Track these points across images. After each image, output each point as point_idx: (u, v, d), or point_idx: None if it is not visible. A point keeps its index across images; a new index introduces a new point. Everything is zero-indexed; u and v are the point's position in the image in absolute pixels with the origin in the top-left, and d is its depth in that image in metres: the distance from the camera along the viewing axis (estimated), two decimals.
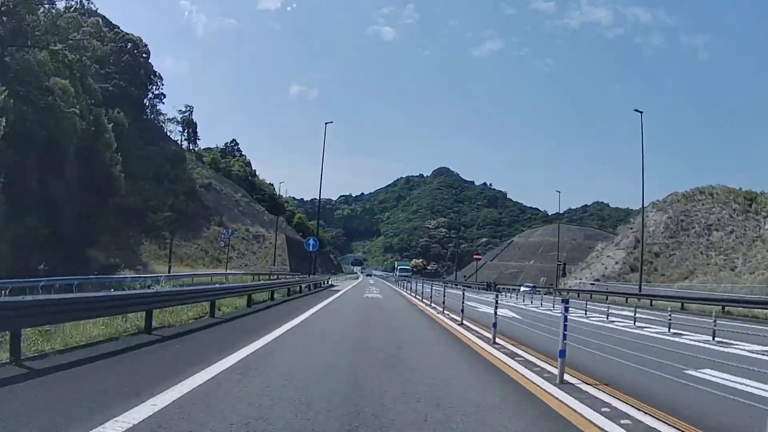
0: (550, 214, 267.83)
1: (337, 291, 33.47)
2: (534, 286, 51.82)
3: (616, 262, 55.90)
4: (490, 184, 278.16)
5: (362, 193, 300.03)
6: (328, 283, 44.39)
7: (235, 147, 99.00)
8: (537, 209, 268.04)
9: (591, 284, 50.85)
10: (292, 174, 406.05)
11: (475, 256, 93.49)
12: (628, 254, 54.65)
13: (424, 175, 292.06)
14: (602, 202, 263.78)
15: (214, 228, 66.11)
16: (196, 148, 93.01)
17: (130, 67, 61.99)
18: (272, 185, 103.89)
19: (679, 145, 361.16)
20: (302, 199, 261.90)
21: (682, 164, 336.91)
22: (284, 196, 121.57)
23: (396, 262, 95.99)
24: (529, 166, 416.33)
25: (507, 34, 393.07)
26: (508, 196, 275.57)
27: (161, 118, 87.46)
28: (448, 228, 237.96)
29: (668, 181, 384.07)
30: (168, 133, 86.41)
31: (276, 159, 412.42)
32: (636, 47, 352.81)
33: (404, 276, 64.22)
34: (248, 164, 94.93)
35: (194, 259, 57.33)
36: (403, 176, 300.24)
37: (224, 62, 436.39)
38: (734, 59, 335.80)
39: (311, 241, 39.14)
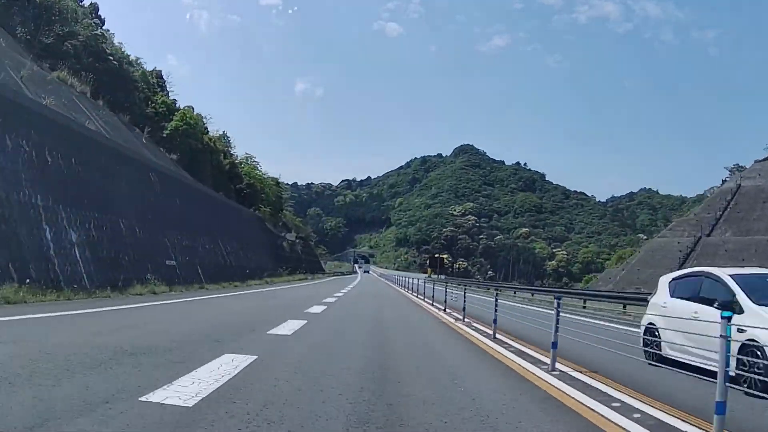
0: (597, 199, 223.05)
1: None
2: None
3: None
4: (525, 164, 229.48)
5: (369, 177, 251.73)
6: None
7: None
8: (584, 193, 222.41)
9: None
10: (299, 169, 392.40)
11: None
12: None
13: (444, 155, 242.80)
14: (651, 189, 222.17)
15: None
16: None
17: None
18: (193, 110, 48.76)
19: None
20: (296, 183, 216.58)
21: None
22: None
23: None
24: (560, 152, 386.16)
25: (514, 29, 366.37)
26: (547, 178, 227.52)
27: None
28: (477, 215, 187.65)
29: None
30: None
31: (283, 156, 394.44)
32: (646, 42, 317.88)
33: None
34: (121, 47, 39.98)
35: None
36: (418, 156, 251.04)
37: (228, 60, 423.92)
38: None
39: None
